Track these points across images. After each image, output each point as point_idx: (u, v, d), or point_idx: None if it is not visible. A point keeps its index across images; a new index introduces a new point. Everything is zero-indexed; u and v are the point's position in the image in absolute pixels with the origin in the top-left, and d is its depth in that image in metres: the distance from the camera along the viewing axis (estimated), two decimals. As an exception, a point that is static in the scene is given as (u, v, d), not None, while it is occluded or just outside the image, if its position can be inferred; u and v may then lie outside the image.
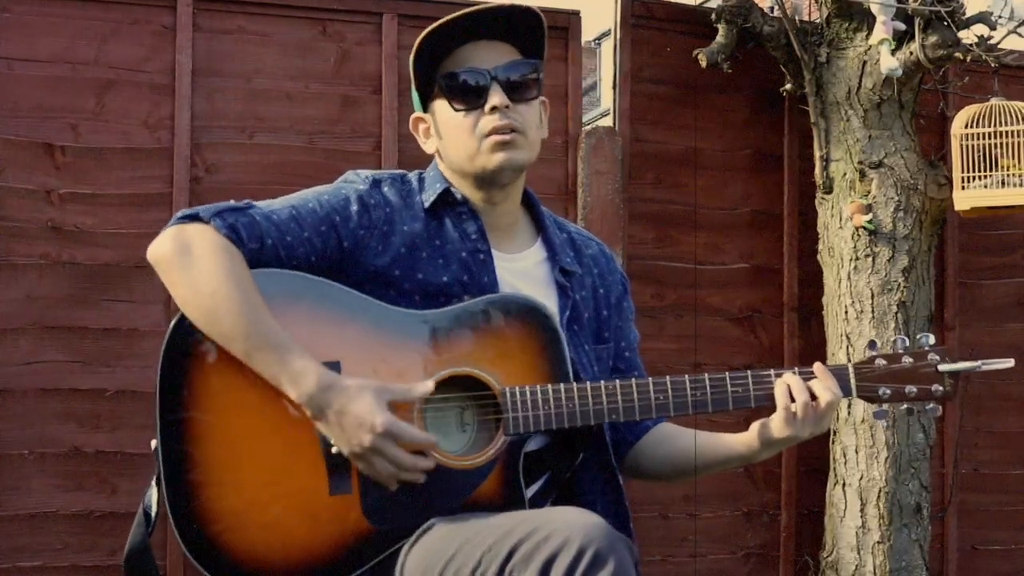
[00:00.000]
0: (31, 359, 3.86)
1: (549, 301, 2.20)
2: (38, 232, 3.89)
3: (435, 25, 2.14)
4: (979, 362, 2.17)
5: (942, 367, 2.16)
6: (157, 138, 4.02)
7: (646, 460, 2.32)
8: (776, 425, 2.12)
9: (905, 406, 2.17)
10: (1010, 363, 2.17)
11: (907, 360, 2.16)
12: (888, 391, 2.16)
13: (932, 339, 2.18)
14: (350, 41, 4.24)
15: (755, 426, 2.16)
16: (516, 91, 2.17)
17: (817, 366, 2.13)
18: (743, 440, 2.20)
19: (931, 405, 2.17)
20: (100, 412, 3.91)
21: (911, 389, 2.15)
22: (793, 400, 2.10)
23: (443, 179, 2.22)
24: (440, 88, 2.18)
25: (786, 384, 2.11)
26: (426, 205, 2.19)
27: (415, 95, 2.26)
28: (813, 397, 2.10)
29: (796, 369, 2.14)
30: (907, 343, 2.18)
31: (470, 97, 2.16)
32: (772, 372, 2.14)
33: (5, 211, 3.87)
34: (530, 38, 2.20)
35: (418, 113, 2.27)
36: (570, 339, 2.19)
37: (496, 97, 2.14)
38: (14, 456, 3.84)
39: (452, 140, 2.20)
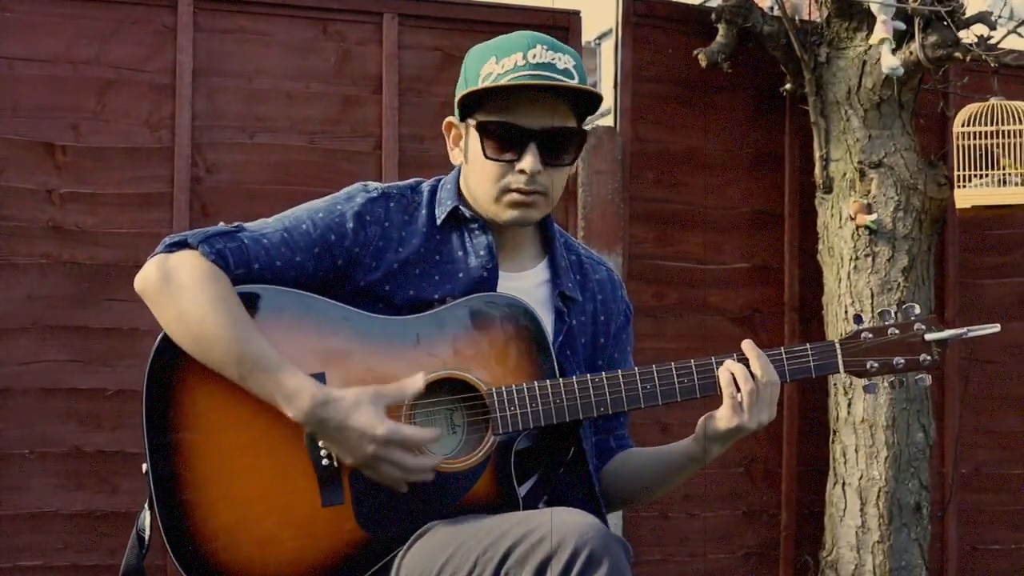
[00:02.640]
0: (31, 359, 3.87)
1: (545, 323, 2.17)
2: (39, 232, 3.90)
3: (508, 81, 2.06)
4: (965, 329, 2.16)
5: (928, 336, 2.16)
6: (158, 138, 4.02)
7: (610, 483, 2.30)
8: (723, 416, 2.09)
9: (893, 377, 2.17)
10: (996, 328, 2.17)
11: (893, 332, 2.16)
12: (876, 364, 2.15)
13: (918, 309, 2.18)
14: (350, 41, 4.24)
15: (701, 421, 2.13)
16: (553, 156, 2.11)
17: (746, 345, 2.12)
18: (692, 438, 2.17)
19: (919, 375, 2.17)
20: (100, 412, 3.91)
21: (899, 360, 2.15)
22: (739, 389, 2.08)
23: (457, 195, 2.19)
24: (477, 125, 2.12)
25: (729, 372, 2.09)
26: (438, 222, 2.17)
27: (456, 99, 2.16)
28: (756, 383, 2.08)
29: (735, 355, 2.12)
30: (893, 315, 2.18)
31: (504, 151, 2.10)
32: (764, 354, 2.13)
33: (5, 211, 3.88)
34: (584, 94, 2.13)
35: (453, 120, 2.19)
36: (562, 364, 2.17)
37: (529, 161, 2.08)
38: (15, 456, 3.85)
39: (475, 176, 2.15)
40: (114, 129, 3.99)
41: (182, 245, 2.07)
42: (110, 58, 4.00)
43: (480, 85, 2.09)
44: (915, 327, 2.16)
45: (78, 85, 3.97)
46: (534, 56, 2.09)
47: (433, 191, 2.22)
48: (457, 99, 2.13)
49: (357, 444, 1.97)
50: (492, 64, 2.10)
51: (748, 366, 2.10)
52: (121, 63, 4.01)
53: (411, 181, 2.25)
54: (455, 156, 2.21)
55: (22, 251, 3.88)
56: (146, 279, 2.07)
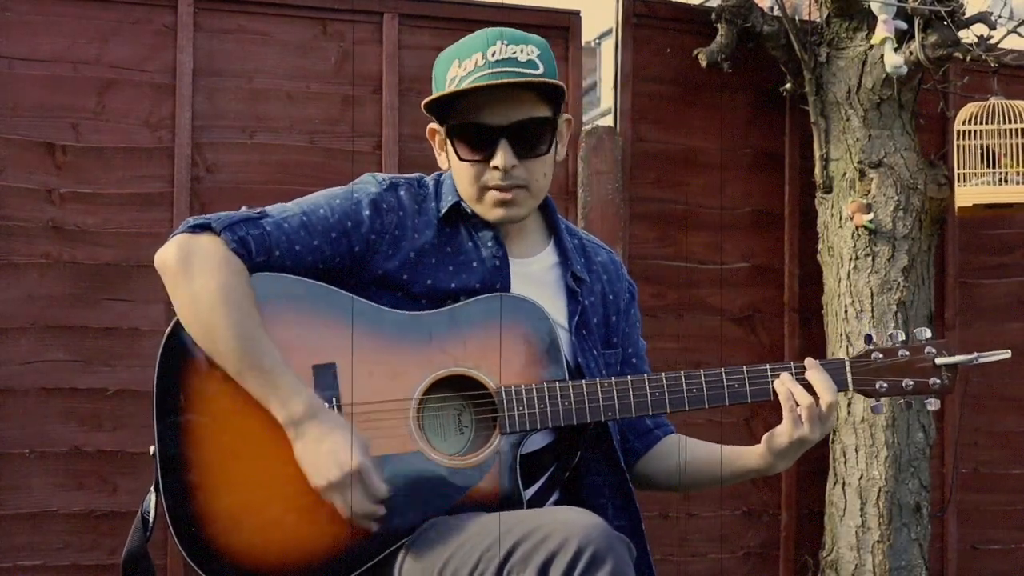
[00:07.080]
0: (32, 359, 3.87)
1: (559, 305, 2.20)
2: (39, 231, 3.90)
3: (469, 85, 2.08)
4: (975, 354, 2.16)
5: (939, 360, 2.15)
6: (158, 137, 4.02)
7: (657, 471, 2.32)
8: (785, 430, 2.11)
9: (902, 400, 2.16)
10: (1007, 354, 2.16)
11: (903, 353, 2.15)
12: (885, 385, 2.15)
13: (929, 333, 2.17)
14: (350, 41, 4.24)
15: (765, 438, 2.15)
16: (527, 148, 2.13)
17: (809, 362, 2.13)
18: (757, 452, 2.19)
19: (929, 399, 2.16)
20: (101, 411, 3.91)
21: (908, 383, 2.14)
22: (797, 404, 2.09)
23: (455, 191, 2.21)
24: (450, 129, 2.15)
25: (787, 388, 2.10)
26: (440, 215, 2.19)
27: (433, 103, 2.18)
28: (815, 398, 2.10)
29: (792, 366, 2.13)
30: (903, 337, 2.17)
31: (477, 150, 2.13)
32: (768, 368, 2.14)
33: (6, 210, 3.88)
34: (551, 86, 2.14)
35: (434, 126, 2.23)
36: (579, 344, 2.19)
37: (500, 158, 2.11)
38: (15, 455, 3.84)
39: (457, 179, 2.19)
40: (114, 129, 3.99)
41: (205, 228, 2.08)
42: (110, 58, 4.00)
43: (446, 90, 2.12)
44: (926, 351, 2.15)
45: (78, 85, 3.97)
46: (494, 53, 2.11)
47: (437, 184, 2.25)
48: (423, 107, 2.16)
49: (325, 462, 1.98)
50: (456, 68, 2.12)
51: (806, 380, 2.11)
52: (121, 63, 4.01)
53: (415, 174, 2.27)
54: (442, 160, 2.24)
55: (22, 251, 3.88)
56: (166, 258, 2.08)
